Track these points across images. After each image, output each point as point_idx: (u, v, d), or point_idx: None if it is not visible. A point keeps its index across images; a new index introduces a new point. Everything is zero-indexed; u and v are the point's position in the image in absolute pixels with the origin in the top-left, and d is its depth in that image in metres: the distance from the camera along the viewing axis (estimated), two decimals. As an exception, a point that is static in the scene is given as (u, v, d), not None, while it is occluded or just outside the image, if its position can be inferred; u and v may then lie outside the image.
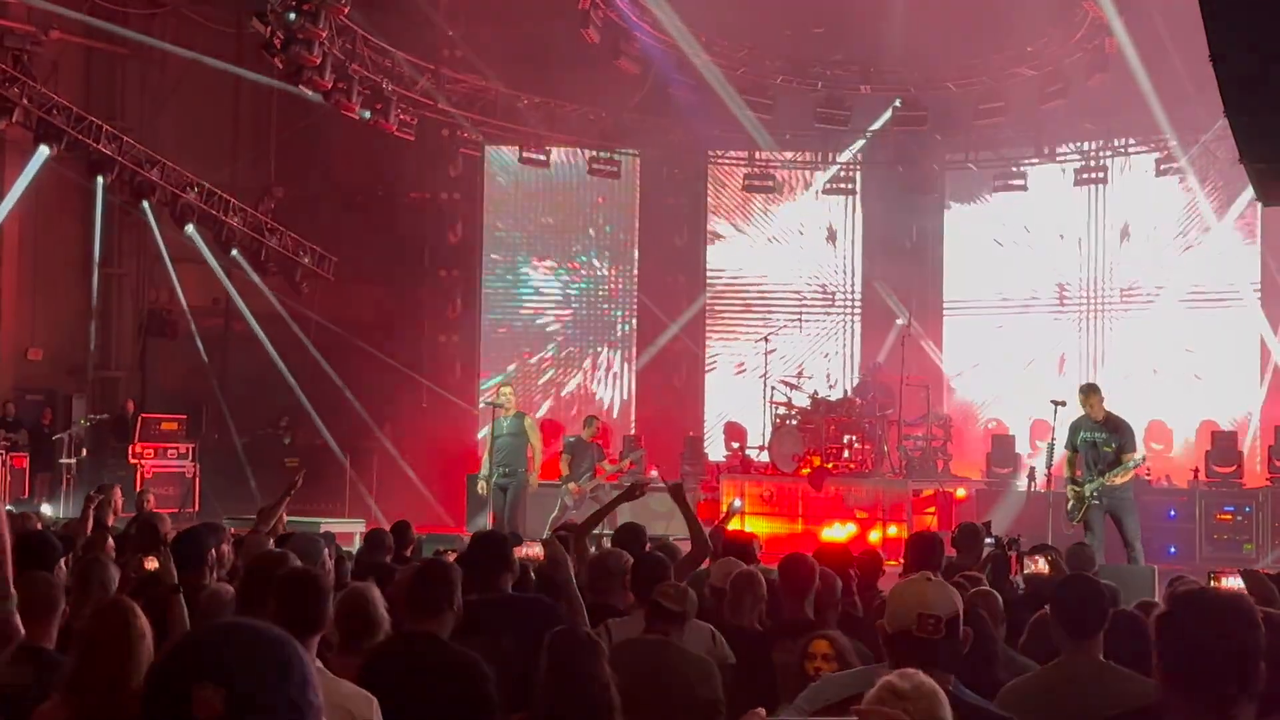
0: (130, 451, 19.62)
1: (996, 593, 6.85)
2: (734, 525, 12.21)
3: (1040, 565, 7.70)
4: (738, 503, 12.31)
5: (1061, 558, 8.37)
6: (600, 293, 23.33)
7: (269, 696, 2.04)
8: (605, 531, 10.45)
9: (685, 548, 8.17)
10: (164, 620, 5.39)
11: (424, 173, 22.00)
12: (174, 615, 5.67)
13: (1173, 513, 16.06)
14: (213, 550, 6.94)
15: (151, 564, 6.15)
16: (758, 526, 16.33)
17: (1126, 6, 17.78)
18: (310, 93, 18.65)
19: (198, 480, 19.81)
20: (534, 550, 6.70)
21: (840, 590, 7.14)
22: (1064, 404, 13.95)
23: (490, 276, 22.81)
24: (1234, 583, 6.34)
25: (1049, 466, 14.17)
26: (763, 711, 3.62)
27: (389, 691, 4.68)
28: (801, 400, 18.50)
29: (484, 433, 15.37)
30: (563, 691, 4.58)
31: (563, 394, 22.95)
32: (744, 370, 22.72)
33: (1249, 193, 16.70)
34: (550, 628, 4.86)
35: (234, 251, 20.97)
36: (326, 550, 7.41)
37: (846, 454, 18.02)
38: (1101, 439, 12.91)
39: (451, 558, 6.83)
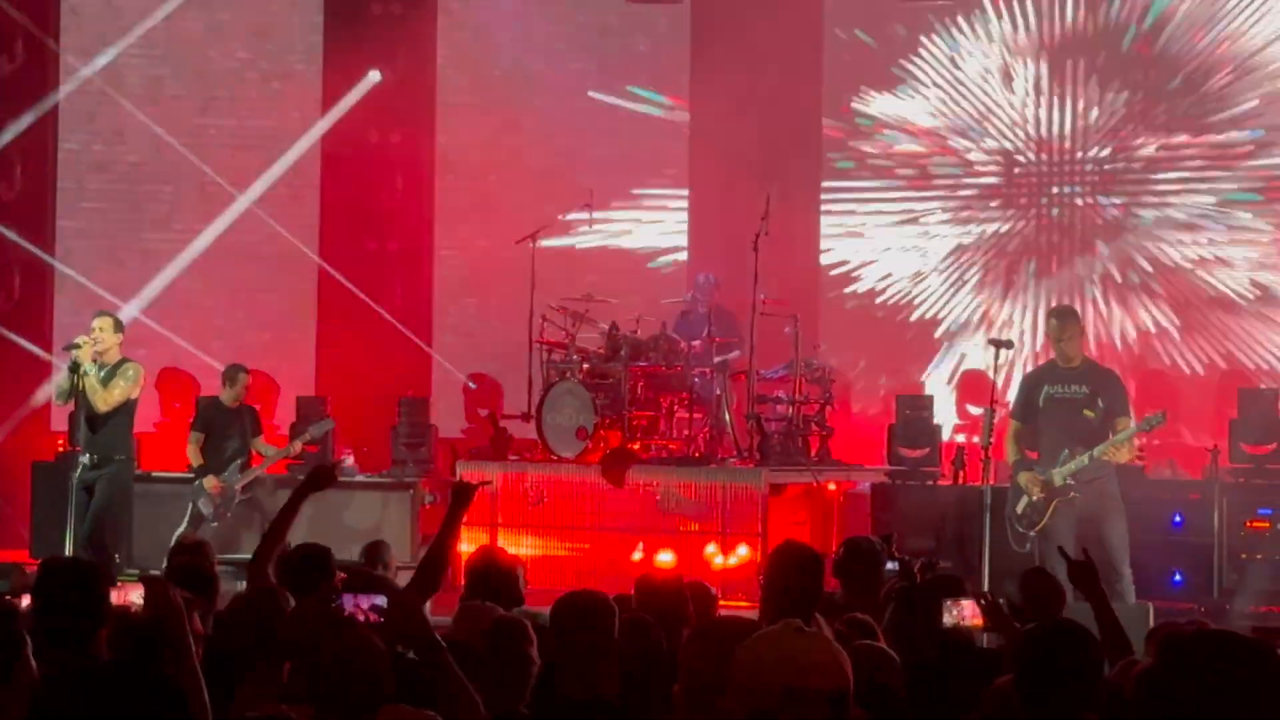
0: None
1: (893, 654, 6.96)
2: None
3: (965, 612, 7.50)
4: None
5: (1003, 597, 8.53)
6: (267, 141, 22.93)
7: None
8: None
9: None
10: None
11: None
12: None
13: (1179, 518, 16.44)
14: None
15: None
16: (517, 548, 16.41)
17: None
18: None
19: None
20: (133, 594, 6.57)
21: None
22: (1010, 345, 14.20)
23: (77, 130, 22.34)
24: None
25: (987, 446, 14.38)
26: None
27: None
28: (591, 339, 18.53)
29: (60, 391, 15.16)
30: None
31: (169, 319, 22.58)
32: (501, 288, 22.66)
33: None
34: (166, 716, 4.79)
35: None
36: None
37: (663, 427, 18.20)
38: (1080, 397, 13.16)
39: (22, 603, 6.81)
